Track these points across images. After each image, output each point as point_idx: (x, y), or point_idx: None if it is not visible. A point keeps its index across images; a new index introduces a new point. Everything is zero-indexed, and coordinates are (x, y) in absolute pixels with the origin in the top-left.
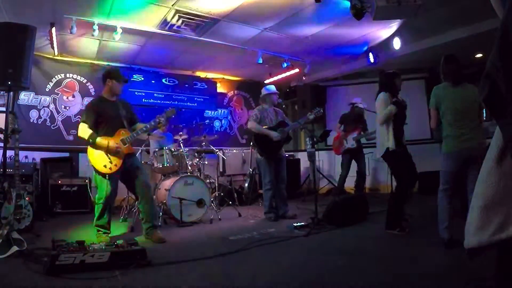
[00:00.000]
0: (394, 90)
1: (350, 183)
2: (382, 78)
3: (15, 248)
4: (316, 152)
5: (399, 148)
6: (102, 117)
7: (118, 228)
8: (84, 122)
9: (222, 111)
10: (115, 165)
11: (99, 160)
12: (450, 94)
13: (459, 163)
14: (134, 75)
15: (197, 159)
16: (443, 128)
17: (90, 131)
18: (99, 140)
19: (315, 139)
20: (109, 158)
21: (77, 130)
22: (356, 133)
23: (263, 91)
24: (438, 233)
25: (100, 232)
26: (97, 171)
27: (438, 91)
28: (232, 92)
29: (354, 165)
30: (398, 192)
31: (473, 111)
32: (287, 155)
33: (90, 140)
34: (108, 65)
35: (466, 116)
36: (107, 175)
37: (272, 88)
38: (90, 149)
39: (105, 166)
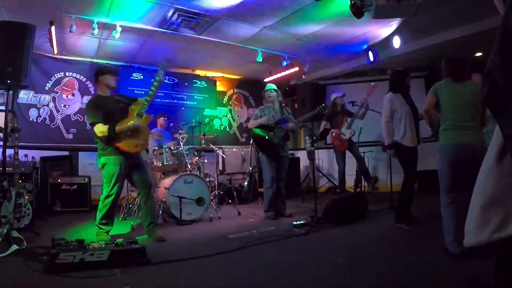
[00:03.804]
0: (405, 89)
1: (349, 182)
2: (391, 77)
3: (14, 247)
4: (316, 151)
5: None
6: (107, 112)
7: (118, 227)
8: (96, 122)
9: (222, 109)
10: (144, 139)
11: (129, 144)
12: (449, 89)
13: (454, 158)
14: (133, 74)
15: (197, 158)
16: (441, 122)
17: (107, 126)
18: (118, 127)
19: (314, 138)
20: (136, 138)
21: (94, 133)
22: (345, 123)
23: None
24: (444, 242)
25: (101, 230)
26: (109, 166)
27: (436, 85)
28: (231, 90)
29: (352, 164)
30: (402, 186)
31: (474, 109)
32: None
33: (111, 133)
34: (108, 63)
35: (467, 112)
36: (121, 158)
37: (268, 86)
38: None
39: (136, 146)
